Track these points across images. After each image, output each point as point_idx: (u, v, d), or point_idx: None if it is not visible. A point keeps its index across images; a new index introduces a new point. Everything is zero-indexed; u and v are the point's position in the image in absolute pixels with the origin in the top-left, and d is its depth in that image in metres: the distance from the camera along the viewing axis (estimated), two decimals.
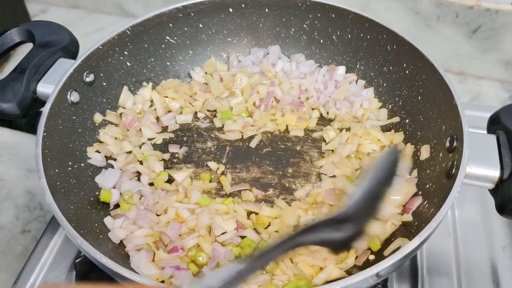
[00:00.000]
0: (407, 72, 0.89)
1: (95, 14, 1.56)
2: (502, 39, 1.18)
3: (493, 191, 0.72)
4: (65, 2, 1.58)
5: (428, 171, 0.80)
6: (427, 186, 0.78)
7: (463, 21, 1.18)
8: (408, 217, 0.76)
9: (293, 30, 1.02)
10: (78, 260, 0.79)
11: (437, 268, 0.84)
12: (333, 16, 0.95)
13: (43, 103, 0.84)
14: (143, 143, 0.92)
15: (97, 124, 0.90)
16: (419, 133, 0.86)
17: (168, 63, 1.00)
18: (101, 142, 0.89)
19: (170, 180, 0.88)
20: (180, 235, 0.78)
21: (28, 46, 0.91)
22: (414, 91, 0.88)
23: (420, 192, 0.79)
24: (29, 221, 1.08)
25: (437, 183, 0.75)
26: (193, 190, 0.83)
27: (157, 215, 0.81)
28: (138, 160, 0.90)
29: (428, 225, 0.63)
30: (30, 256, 0.88)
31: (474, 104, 1.20)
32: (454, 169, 0.70)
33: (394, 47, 0.90)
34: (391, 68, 0.93)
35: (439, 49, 1.25)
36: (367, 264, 0.74)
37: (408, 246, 0.61)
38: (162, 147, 0.93)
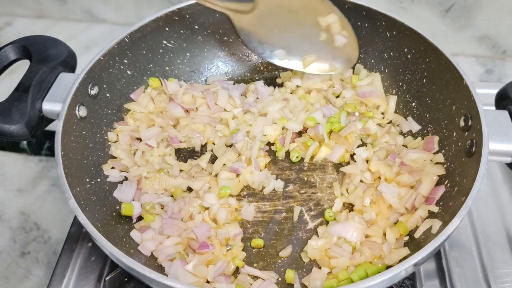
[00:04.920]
0: (409, 56, 0.91)
1: (63, 23, 1.50)
2: (475, 15, 1.21)
3: (511, 165, 0.75)
4: (30, 12, 1.51)
5: (443, 151, 0.82)
6: (445, 166, 0.80)
7: (436, 1, 1.21)
8: (434, 208, 0.76)
9: None
10: (109, 277, 0.76)
11: (457, 243, 0.86)
12: None
13: (49, 121, 0.82)
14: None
15: (111, 142, 0.89)
16: (427, 115, 0.88)
17: (167, 68, 0.98)
18: (113, 157, 0.87)
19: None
20: (208, 237, 0.78)
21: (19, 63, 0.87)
22: (418, 75, 0.90)
23: (445, 181, 0.79)
24: (27, 243, 1.04)
25: (456, 162, 0.78)
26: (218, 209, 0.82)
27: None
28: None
29: (464, 204, 0.65)
30: (50, 282, 0.84)
31: None
32: (474, 147, 0.73)
33: (394, 33, 0.91)
34: (391, 53, 0.94)
35: None
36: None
37: (450, 226, 0.63)
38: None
